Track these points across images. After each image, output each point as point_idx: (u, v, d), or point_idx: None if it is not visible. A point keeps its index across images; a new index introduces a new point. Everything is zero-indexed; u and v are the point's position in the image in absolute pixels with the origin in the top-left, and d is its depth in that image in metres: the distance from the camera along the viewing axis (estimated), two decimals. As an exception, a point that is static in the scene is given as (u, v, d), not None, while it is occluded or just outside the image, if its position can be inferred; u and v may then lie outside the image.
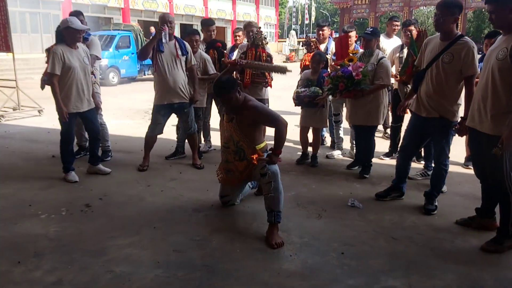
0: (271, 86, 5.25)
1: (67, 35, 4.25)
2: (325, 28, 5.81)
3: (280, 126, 3.33)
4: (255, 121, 3.39)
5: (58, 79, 4.22)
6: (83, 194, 4.11)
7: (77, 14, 4.93)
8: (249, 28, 5.53)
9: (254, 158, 3.33)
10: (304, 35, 36.24)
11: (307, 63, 5.44)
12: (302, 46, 6.61)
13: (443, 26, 3.45)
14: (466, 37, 3.49)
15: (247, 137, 3.39)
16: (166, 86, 4.72)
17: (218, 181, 3.80)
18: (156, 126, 4.93)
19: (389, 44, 5.92)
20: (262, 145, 3.48)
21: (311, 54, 5.39)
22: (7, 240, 3.14)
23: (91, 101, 4.54)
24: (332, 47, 5.78)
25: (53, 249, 3.01)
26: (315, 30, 6.28)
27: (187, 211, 3.72)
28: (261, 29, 5.31)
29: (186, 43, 4.89)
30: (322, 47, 5.76)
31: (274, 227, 3.20)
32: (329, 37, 5.89)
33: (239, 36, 6.08)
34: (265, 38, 5.24)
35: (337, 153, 5.64)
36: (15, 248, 3.02)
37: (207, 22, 5.69)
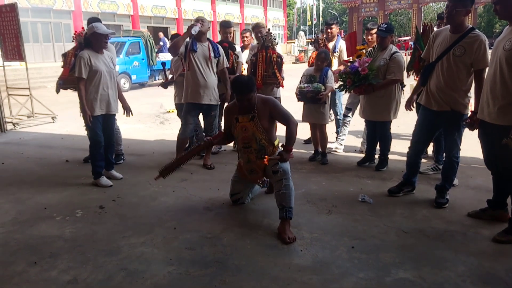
0: (282, 87, 5.31)
1: (94, 40, 4.34)
2: (333, 26, 5.83)
3: (291, 125, 3.46)
4: (271, 115, 3.49)
5: (85, 83, 4.29)
6: (96, 196, 4.18)
7: (94, 21, 5.02)
8: (258, 29, 5.58)
9: (266, 159, 3.37)
10: (313, 35, 36.17)
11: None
12: (311, 45, 6.66)
13: (455, 18, 3.42)
14: (477, 30, 3.46)
15: (268, 133, 3.49)
16: (197, 85, 4.81)
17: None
18: (187, 126, 5.00)
19: None
20: (276, 142, 3.60)
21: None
22: (23, 242, 3.21)
23: (116, 106, 4.59)
24: (340, 45, 5.79)
25: (68, 249, 3.07)
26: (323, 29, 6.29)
27: (199, 210, 3.76)
28: (270, 31, 5.37)
29: (219, 46, 5.00)
30: (331, 45, 5.78)
31: (286, 223, 3.24)
32: (337, 35, 5.90)
33: (246, 37, 6.13)
34: (275, 39, 5.31)
35: (335, 146, 5.65)
36: (31, 249, 3.09)
37: (225, 24, 5.78)
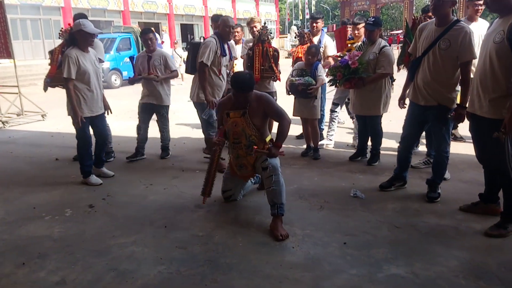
0: (280, 80, 5.29)
1: (80, 38, 4.20)
2: (319, 20, 5.80)
3: (284, 122, 3.42)
4: (264, 112, 3.45)
5: (73, 84, 4.18)
6: (86, 195, 4.13)
7: (81, 17, 4.94)
8: (252, 24, 5.55)
9: (255, 149, 3.35)
10: (298, 29, 35.96)
11: (300, 55, 5.44)
12: (295, 38, 6.60)
13: (441, 10, 3.39)
14: (462, 22, 3.45)
15: (258, 130, 3.45)
16: (221, 88, 4.80)
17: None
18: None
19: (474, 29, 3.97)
20: (268, 138, 3.57)
21: (304, 46, 5.40)
22: (11, 242, 3.16)
23: (102, 105, 4.52)
24: (325, 40, 5.77)
25: (57, 249, 3.03)
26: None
27: (190, 208, 3.73)
28: (266, 25, 5.35)
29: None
30: (316, 39, 5.74)
31: (278, 219, 3.23)
32: (321, 29, 5.87)
33: (237, 32, 6.07)
34: (271, 33, 5.33)
35: (325, 143, 5.64)
36: (20, 250, 3.04)
37: (216, 18, 5.65)
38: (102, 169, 4.70)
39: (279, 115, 3.44)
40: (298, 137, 6.14)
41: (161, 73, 5.15)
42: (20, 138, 6.87)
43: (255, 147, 3.37)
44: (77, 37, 4.21)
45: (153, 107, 5.23)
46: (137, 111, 5.30)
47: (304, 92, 4.83)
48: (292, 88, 4.92)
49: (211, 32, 6.00)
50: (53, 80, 5.02)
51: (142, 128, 5.27)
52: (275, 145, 3.40)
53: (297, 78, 4.91)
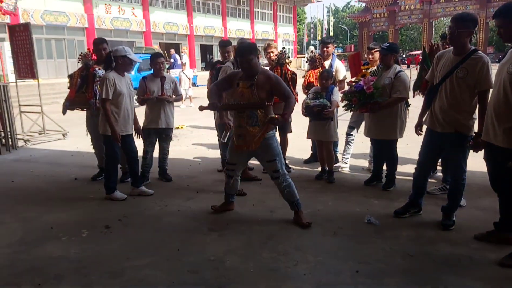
0: (298, 102, 5.33)
1: (122, 63, 4.47)
2: (329, 45, 5.87)
3: (291, 100, 3.69)
4: (270, 90, 3.69)
5: (110, 104, 4.42)
6: (103, 215, 4.21)
7: (101, 41, 5.17)
8: (269, 49, 5.58)
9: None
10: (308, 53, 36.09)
11: (312, 79, 5.50)
12: (306, 62, 6.65)
13: (458, 40, 3.42)
14: (480, 52, 3.46)
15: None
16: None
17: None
18: None
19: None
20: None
21: (316, 70, 5.47)
22: (29, 263, 3.24)
23: (133, 126, 4.77)
24: (336, 63, 5.82)
25: (73, 271, 3.09)
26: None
27: (203, 231, 3.76)
28: (284, 49, 5.45)
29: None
30: (327, 63, 5.79)
31: (299, 212, 3.85)
32: (332, 53, 5.92)
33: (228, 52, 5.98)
34: (288, 57, 5.49)
35: (341, 165, 5.64)
36: (36, 271, 3.11)
37: (222, 43, 5.81)
38: (141, 188, 4.82)
39: (286, 95, 3.69)
40: (306, 161, 6.14)
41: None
42: (41, 156, 7.05)
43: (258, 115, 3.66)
44: (119, 61, 4.46)
45: (162, 131, 5.26)
46: (143, 137, 5.20)
47: (320, 113, 4.87)
48: (307, 110, 4.97)
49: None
50: (71, 103, 5.19)
51: (149, 152, 5.27)
52: (282, 116, 3.60)
53: (312, 101, 4.97)
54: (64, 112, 5.29)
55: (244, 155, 3.97)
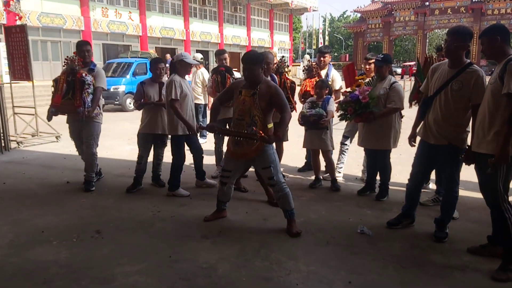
0: (296, 110, 5.36)
1: (181, 67, 4.80)
2: (326, 55, 5.87)
3: (286, 115, 3.75)
4: (270, 100, 3.73)
5: (179, 104, 4.66)
6: (94, 220, 4.17)
7: (85, 43, 5.18)
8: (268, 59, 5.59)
9: (254, 130, 3.61)
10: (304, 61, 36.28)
11: (308, 88, 5.52)
12: (303, 71, 6.63)
13: (454, 53, 3.47)
14: (475, 65, 3.50)
15: (263, 111, 3.73)
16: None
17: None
18: None
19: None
20: (270, 125, 3.83)
21: (312, 79, 5.49)
22: (18, 266, 3.20)
23: (195, 124, 4.98)
24: (332, 73, 5.84)
25: (63, 276, 3.05)
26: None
27: (196, 238, 3.74)
28: (284, 58, 5.48)
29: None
30: (323, 73, 5.81)
31: (292, 221, 3.87)
32: (329, 63, 5.95)
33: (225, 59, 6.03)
34: (287, 66, 5.55)
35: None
36: (26, 274, 3.07)
37: (218, 52, 5.90)
38: (179, 190, 5.00)
39: (283, 108, 3.74)
40: (300, 170, 6.13)
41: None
42: (34, 159, 6.99)
43: (255, 128, 3.63)
44: (178, 66, 4.80)
45: (158, 137, 5.22)
46: (138, 142, 5.20)
47: (316, 122, 4.89)
48: (303, 119, 4.99)
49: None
50: (58, 110, 4.95)
51: (144, 157, 5.21)
52: (275, 134, 3.70)
53: (308, 110, 4.99)
54: (49, 119, 5.06)
55: (240, 163, 3.98)
